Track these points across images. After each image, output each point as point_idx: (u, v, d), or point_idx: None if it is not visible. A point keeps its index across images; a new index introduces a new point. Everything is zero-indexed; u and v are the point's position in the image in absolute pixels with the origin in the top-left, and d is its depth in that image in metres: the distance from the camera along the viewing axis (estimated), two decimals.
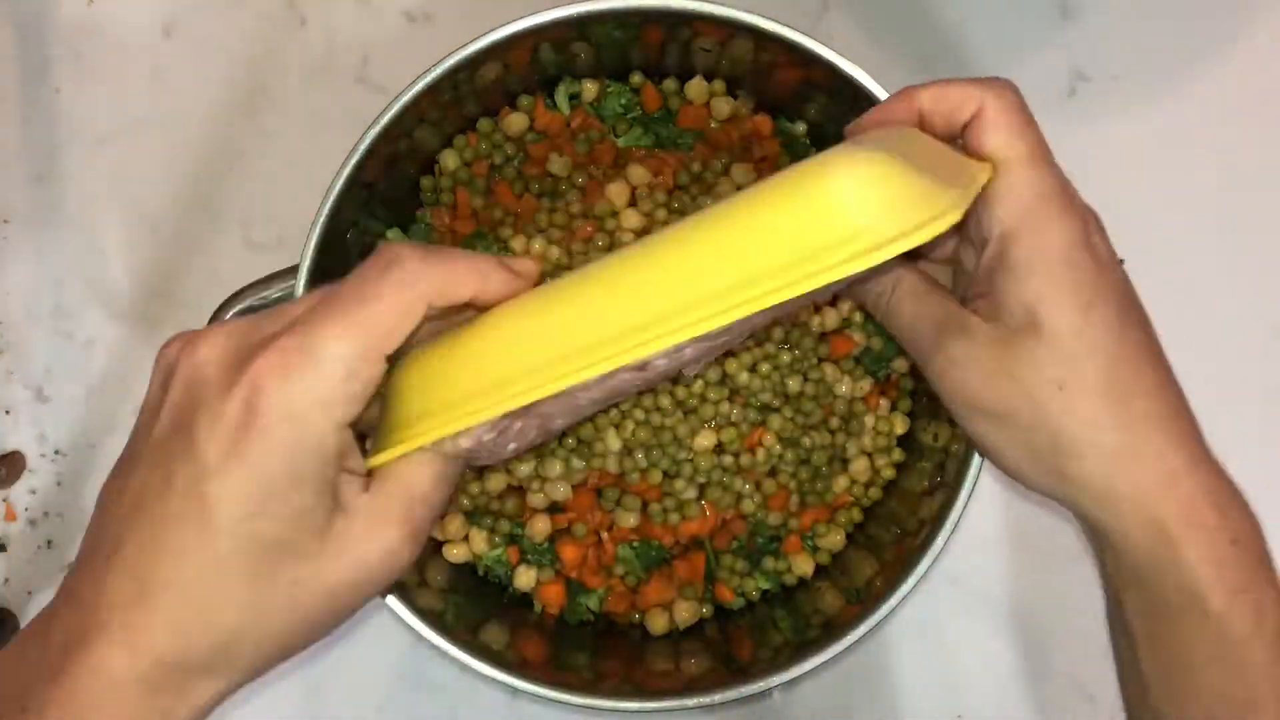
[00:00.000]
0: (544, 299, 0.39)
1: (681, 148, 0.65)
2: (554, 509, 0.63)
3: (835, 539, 0.64)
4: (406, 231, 0.65)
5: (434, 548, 0.64)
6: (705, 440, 0.62)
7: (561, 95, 0.65)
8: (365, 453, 0.41)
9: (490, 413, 0.38)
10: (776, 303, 0.35)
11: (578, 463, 0.61)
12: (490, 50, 0.58)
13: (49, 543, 0.69)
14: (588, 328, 0.37)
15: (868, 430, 0.64)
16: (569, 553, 0.63)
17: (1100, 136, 0.70)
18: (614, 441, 0.61)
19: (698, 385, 0.62)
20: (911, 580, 0.57)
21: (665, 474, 0.62)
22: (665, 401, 0.61)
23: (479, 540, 0.63)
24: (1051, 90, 0.71)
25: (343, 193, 0.58)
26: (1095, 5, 0.71)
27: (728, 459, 0.62)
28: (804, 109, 0.64)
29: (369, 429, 0.42)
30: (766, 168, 0.64)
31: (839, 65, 0.58)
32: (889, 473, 0.65)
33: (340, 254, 0.61)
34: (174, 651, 0.37)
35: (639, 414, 0.61)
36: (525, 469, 0.62)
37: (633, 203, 0.63)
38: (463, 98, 0.62)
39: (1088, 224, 0.43)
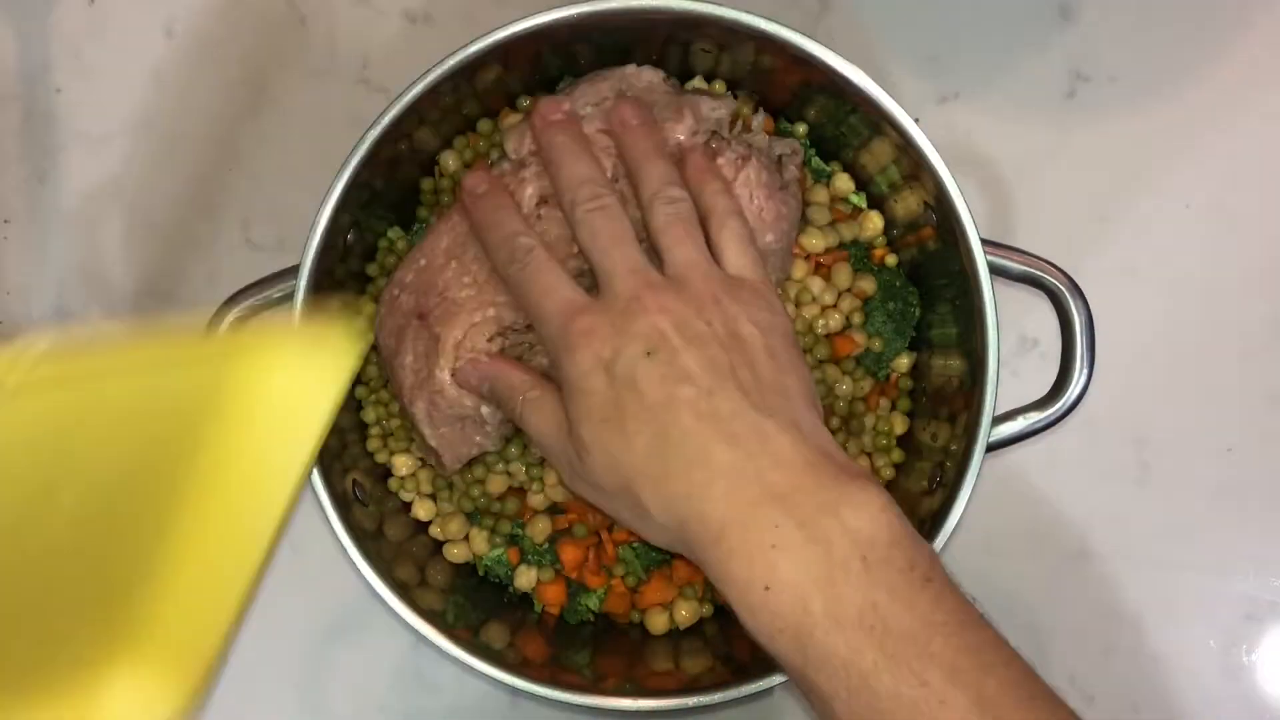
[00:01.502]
0: None
1: None
2: (554, 510, 0.63)
3: None
4: (407, 231, 0.65)
5: (434, 548, 0.64)
6: None
7: None
8: None
9: None
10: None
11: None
12: (491, 51, 0.58)
13: None
14: None
15: (868, 430, 0.64)
16: (569, 553, 0.63)
17: (1100, 137, 0.70)
18: None
19: None
20: None
21: None
22: None
23: (479, 540, 0.63)
24: (1051, 90, 0.71)
25: (344, 193, 0.58)
26: (1095, 5, 0.71)
27: None
28: (804, 110, 0.64)
29: None
30: None
31: (839, 66, 0.58)
32: (889, 473, 0.65)
33: (341, 255, 0.61)
34: None
35: None
36: (524, 470, 0.62)
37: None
38: (463, 99, 0.62)
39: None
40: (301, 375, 0.41)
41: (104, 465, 0.40)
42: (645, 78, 0.60)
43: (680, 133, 0.58)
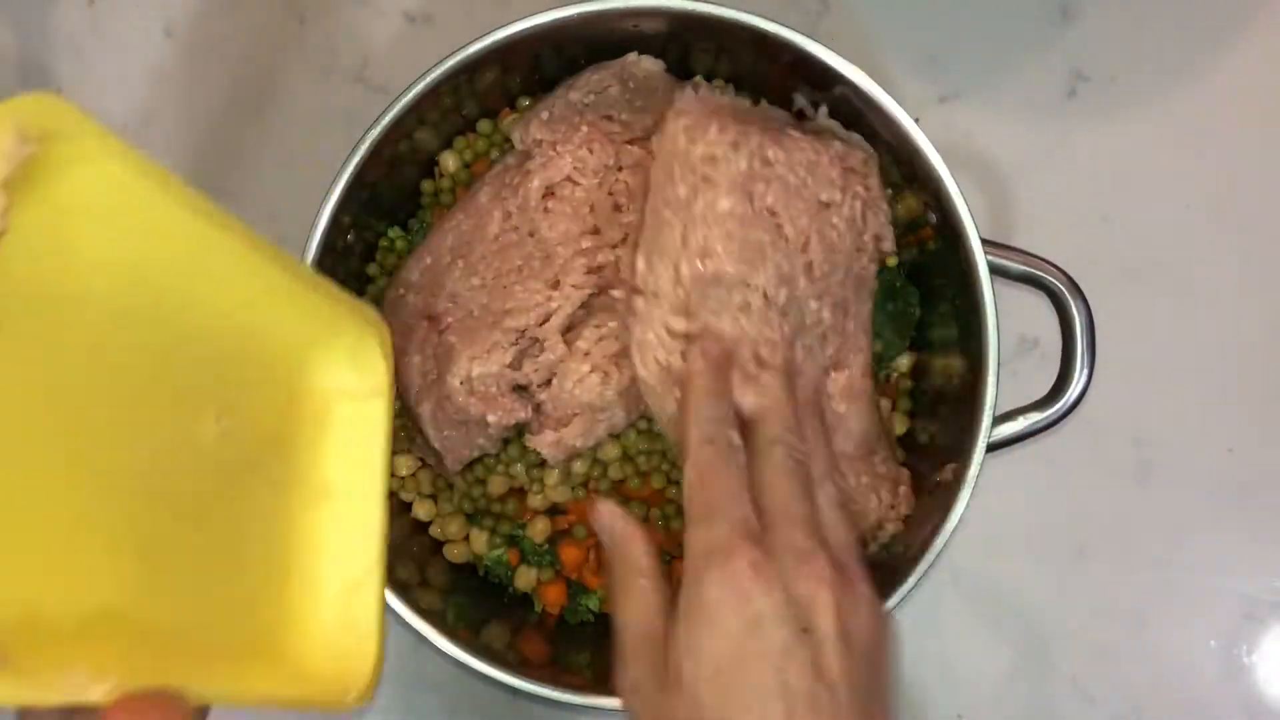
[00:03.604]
0: None
1: None
2: (554, 511, 0.63)
3: None
4: (407, 230, 0.65)
5: (434, 548, 0.64)
6: None
7: None
8: None
9: None
10: None
11: (578, 467, 0.61)
12: (490, 51, 0.58)
13: None
14: None
15: None
16: (569, 554, 0.63)
17: (1100, 137, 0.70)
18: (614, 449, 0.61)
19: None
20: (911, 580, 0.57)
21: (668, 479, 0.62)
22: None
23: (479, 541, 0.63)
24: (1051, 90, 0.71)
25: (344, 194, 0.58)
26: (1095, 5, 0.71)
27: None
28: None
29: None
30: None
31: (839, 67, 0.58)
32: None
33: (341, 255, 0.61)
34: None
35: (641, 422, 0.61)
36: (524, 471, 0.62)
37: None
38: (463, 99, 0.62)
39: None
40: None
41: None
42: (645, 66, 0.60)
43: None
